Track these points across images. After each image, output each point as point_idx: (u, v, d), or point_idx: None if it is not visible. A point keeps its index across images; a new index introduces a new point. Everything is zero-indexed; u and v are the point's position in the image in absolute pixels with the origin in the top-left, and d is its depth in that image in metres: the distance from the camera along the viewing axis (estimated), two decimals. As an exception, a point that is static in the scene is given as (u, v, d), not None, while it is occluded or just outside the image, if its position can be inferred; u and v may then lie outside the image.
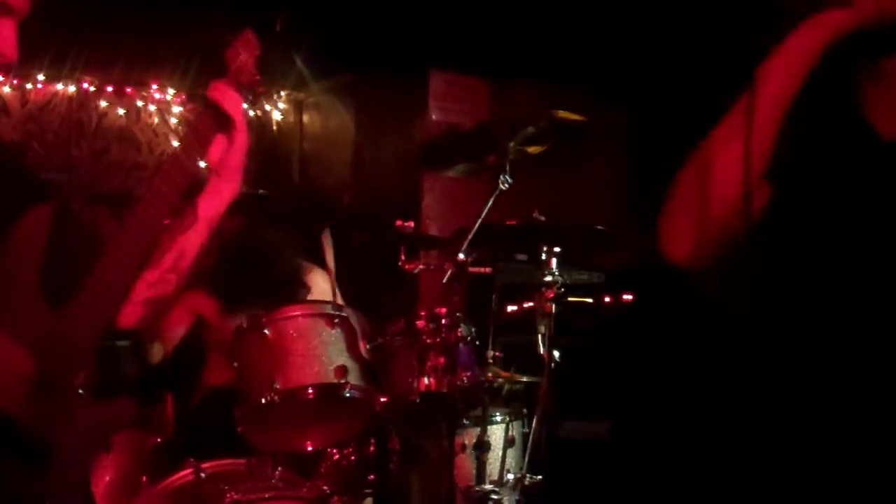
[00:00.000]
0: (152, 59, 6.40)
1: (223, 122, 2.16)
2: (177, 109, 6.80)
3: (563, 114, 3.54)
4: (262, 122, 7.07)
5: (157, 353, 3.90)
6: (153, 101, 6.75)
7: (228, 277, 3.79)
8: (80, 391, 1.98)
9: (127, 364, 4.00)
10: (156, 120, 6.76)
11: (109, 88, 6.59)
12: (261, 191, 4.21)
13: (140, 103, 6.72)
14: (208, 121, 2.16)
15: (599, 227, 3.92)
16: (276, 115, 7.13)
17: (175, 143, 6.71)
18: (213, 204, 2.18)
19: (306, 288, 4.10)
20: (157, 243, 2.10)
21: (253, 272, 3.92)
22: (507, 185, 3.59)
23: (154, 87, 6.73)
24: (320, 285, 4.20)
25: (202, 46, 5.31)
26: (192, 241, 2.16)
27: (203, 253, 2.26)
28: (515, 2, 5.41)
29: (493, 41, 5.61)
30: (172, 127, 6.79)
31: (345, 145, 6.66)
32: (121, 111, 6.65)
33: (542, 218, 3.82)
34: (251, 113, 6.84)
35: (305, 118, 7.20)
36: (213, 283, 3.81)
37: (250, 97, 6.37)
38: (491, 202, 3.58)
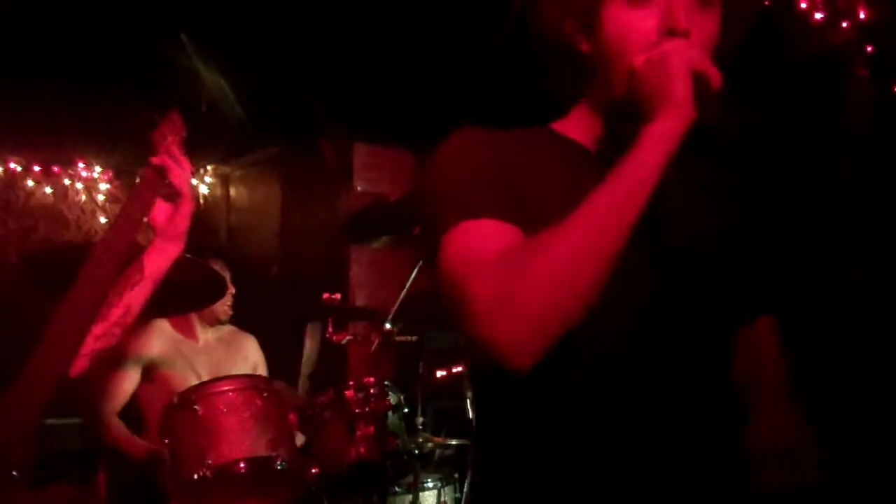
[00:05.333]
0: (79, 138, 6.43)
1: (166, 189, 2.24)
2: (104, 186, 6.82)
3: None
4: (189, 196, 7.09)
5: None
6: (80, 179, 6.77)
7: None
8: (14, 474, 2.01)
9: (67, 440, 4.01)
10: (83, 197, 6.77)
11: (36, 168, 6.59)
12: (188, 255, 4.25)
13: (67, 181, 6.73)
14: (151, 187, 2.23)
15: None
16: (203, 189, 7.18)
17: (103, 220, 6.72)
18: (159, 262, 2.25)
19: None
20: (99, 311, 2.15)
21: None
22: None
23: (81, 165, 6.75)
24: (252, 356, 4.27)
25: (128, 126, 5.37)
26: (137, 297, 2.22)
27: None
28: (438, 73, 5.54)
29: (417, 112, 5.72)
30: (100, 204, 6.81)
31: (271, 218, 6.71)
32: (48, 189, 6.65)
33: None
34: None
35: (232, 191, 7.25)
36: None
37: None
38: (415, 272, 3.67)
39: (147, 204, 2.24)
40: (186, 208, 2.26)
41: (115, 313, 2.19)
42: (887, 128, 3.98)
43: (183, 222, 2.27)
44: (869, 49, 4.12)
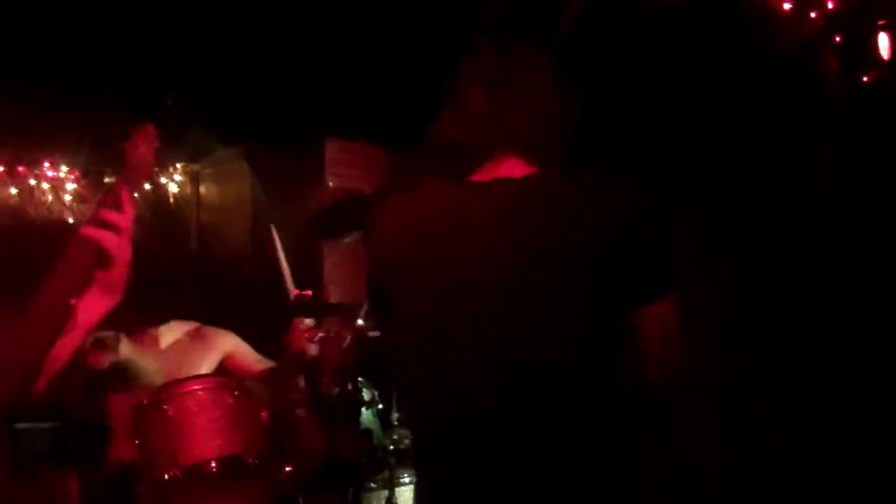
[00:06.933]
0: (44, 137, 6.35)
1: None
2: (71, 187, 6.74)
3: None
4: (159, 195, 7.04)
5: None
6: (46, 179, 6.67)
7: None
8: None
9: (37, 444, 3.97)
10: (49, 198, 6.69)
11: (0, 168, 6.50)
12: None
13: (33, 181, 6.64)
14: (87, 254, 2.15)
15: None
16: (173, 188, 7.11)
17: (70, 221, 6.64)
18: (93, 313, 2.17)
19: None
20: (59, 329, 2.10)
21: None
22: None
23: (47, 164, 6.66)
24: (219, 349, 4.21)
25: (95, 124, 5.31)
26: (67, 345, 2.14)
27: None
28: (410, 69, 5.51)
29: (388, 107, 5.70)
30: (67, 204, 6.73)
31: (242, 215, 6.67)
32: (13, 190, 6.56)
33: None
34: (147, 186, 6.83)
35: (202, 189, 7.19)
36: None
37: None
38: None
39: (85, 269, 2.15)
40: (121, 265, 2.18)
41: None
42: (857, 118, 3.99)
43: (120, 278, 2.19)
44: (837, 39, 4.13)
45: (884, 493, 3.67)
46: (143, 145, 2.33)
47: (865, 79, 3.98)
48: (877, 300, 3.85)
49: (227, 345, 4.24)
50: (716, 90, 4.13)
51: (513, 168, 2.13)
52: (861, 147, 3.88)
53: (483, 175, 2.16)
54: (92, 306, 2.15)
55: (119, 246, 2.13)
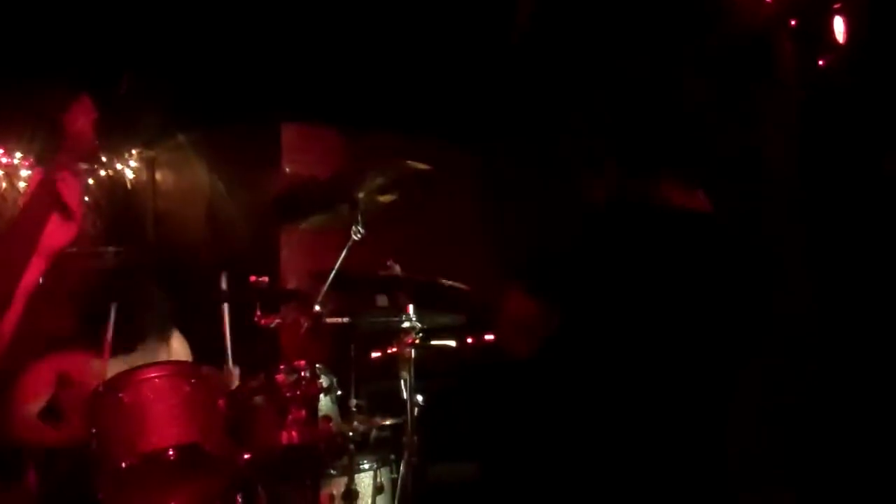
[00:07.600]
0: (-3, 124, 6.29)
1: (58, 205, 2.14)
2: (25, 173, 6.66)
3: (410, 163, 3.61)
4: (115, 181, 6.98)
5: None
6: (0, 166, 6.60)
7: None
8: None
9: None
10: (3, 185, 6.61)
11: (-46, 156, 6.43)
12: (111, 248, 4.18)
13: (-14, 169, 6.57)
14: (44, 200, 2.14)
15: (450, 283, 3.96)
16: (129, 174, 7.04)
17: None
18: (55, 238, 2.17)
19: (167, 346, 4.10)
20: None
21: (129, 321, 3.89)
22: (359, 236, 3.64)
23: (0, 151, 6.58)
24: (178, 351, 4.19)
25: (49, 110, 5.24)
26: (33, 269, 2.14)
27: (58, 316, 2.24)
28: (366, 53, 5.50)
29: (345, 92, 5.68)
30: (21, 191, 6.65)
31: (199, 202, 6.61)
32: (-34, 177, 6.49)
33: (397, 269, 3.87)
34: (102, 172, 6.77)
35: (158, 176, 7.13)
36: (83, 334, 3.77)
37: (93, 163, 6.31)
38: (344, 253, 3.63)
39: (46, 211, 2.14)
40: (71, 227, 2.17)
41: None
42: (813, 100, 4.02)
43: (59, 240, 2.18)
44: (793, 23, 4.16)
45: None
46: (81, 117, 2.30)
47: (821, 62, 4.00)
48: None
49: (177, 350, 4.22)
50: (673, 75, 4.14)
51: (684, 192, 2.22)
52: (817, 131, 3.91)
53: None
54: (54, 232, 2.15)
55: (74, 201, 2.13)
